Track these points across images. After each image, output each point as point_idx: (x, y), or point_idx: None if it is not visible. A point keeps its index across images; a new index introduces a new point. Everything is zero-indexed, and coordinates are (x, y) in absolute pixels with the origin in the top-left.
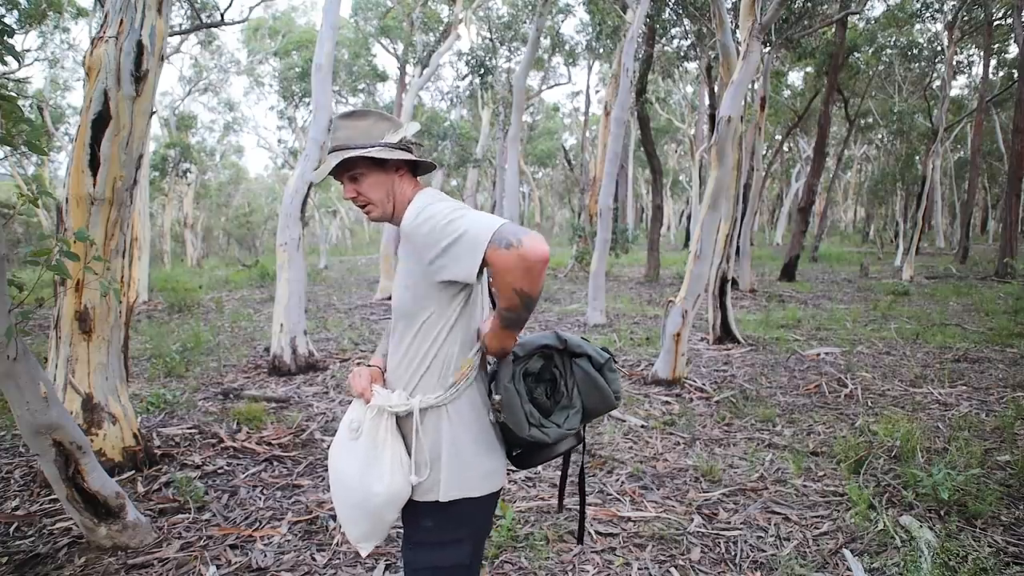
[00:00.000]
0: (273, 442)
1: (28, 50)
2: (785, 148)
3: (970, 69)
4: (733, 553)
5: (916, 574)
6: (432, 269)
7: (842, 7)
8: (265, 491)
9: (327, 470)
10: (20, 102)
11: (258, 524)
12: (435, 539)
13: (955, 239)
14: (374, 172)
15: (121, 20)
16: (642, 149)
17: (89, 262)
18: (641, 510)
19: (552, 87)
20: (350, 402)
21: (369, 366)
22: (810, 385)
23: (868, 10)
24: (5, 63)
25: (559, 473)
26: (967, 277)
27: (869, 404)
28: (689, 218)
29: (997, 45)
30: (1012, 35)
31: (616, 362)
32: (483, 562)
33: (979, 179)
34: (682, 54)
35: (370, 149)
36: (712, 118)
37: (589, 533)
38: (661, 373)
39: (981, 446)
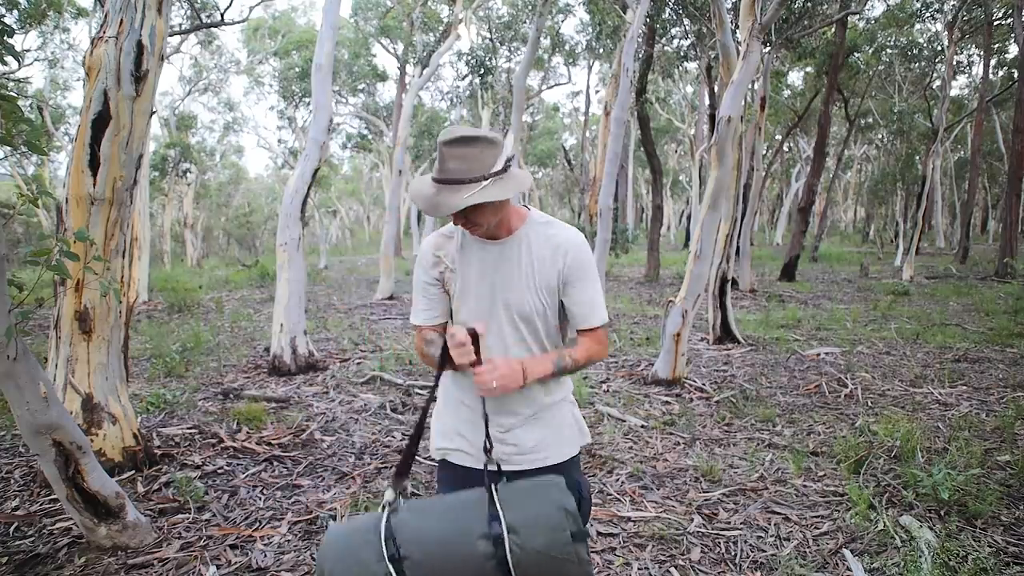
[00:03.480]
0: (273, 442)
1: (28, 50)
2: (785, 148)
3: (970, 69)
4: (733, 553)
5: (916, 574)
6: (563, 287)
7: (842, 7)
8: (265, 491)
9: (327, 470)
10: (20, 102)
11: (258, 524)
12: None
13: (955, 239)
14: (490, 202)
15: (121, 20)
16: (642, 149)
17: (89, 262)
18: (641, 510)
19: (552, 87)
20: (350, 402)
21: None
22: (810, 385)
23: (868, 10)
24: (5, 63)
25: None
26: (967, 277)
27: (869, 404)
28: (689, 218)
29: (997, 45)
30: (1012, 35)
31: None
32: None
33: (979, 179)
34: (682, 54)
35: (497, 188)
36: (712, 118)
37: (589, 533)
38: (661, 373)
39: (981, 446)
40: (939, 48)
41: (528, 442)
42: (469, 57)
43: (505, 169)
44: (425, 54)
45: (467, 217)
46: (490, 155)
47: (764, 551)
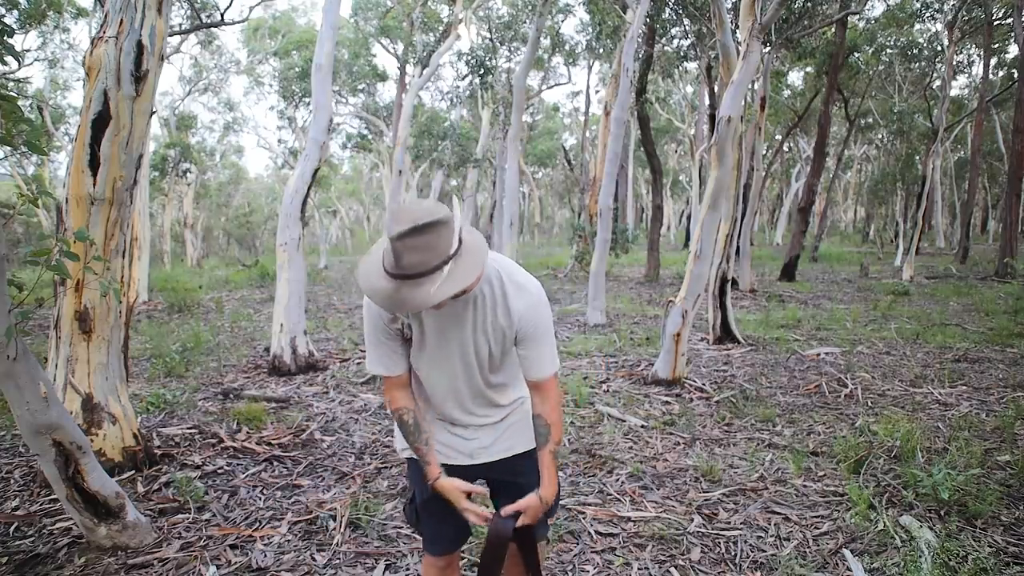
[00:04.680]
0: (273, 442)
1: (28, 50)
2: (785, 148)
3: (970, 69)
4: (733, 553)
5: (916, 574)
6: (516, 341)
7: (842, 7)
8: (265, 491)
9: (327, 470)
10: (20, 102)
11: (258, 524)
12: None
13: (955, 239)
14: None
15: (121, 20)
16: (642, 149)
17: (89, 262)
18: (641, 510)
19: (552, 87)
20: (350, 402)
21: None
22: (810, 385)
23: (868, 10)
24: (5, 63)
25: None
26: (967, 277)
27: (869, 404)
28: (689, 218)
29: (997, 45)
30: (1012, 35)
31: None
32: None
33: (979, 179)
34: (682, 54)
35: (461, 270)
36: (712, 118)
37: (589, 533)
38: (661, 373)
39: (981, 446)
40: (939, 48)
41: (490, 438)
42: (469, 57)
43: (460, 242)
44: (425, 54)
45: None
46: (445, 237)
47: (764, 551)
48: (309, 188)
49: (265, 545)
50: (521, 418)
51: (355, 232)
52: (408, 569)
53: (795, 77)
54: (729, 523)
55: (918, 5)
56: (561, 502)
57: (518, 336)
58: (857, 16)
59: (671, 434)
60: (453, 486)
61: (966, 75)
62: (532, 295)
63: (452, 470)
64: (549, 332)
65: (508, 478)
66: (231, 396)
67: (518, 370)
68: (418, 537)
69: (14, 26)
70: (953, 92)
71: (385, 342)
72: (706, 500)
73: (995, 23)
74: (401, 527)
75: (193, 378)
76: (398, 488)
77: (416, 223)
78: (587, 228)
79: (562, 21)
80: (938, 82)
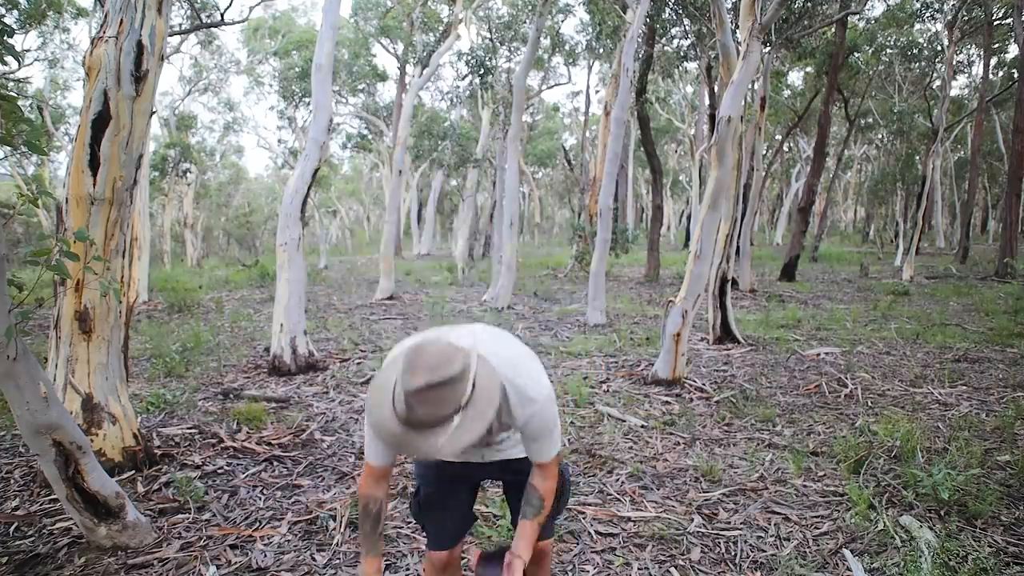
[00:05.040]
0: (273, 442)
1: (28, 50)
2: (785, 148)
3: (970, 69)
4: (733, 553)
5: (916, 574)
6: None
7: (842, 7)
8: (265, 491)
9: (327, 470)
10: (20, 102)
11: (258, 524)
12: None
13: (955, 239)
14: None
15: (121, 20)
16: (642, 149)
17: (89, 262)
18: (641, 510)
19: (552, 87)
20: (350, 402)
21: None
22: (810, 385)
23: (868, 10)
24: (5, 63)
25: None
26: (967, 277)
27: (869, 404)
28: (689, 218)
29: (997, 45)
30: (1012, 35)
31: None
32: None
33: (979, 179)
34: (682, 54)
35: (471, 417)
36: (712, 118)
37: (589, 533)
38: (661, 373)
39: (981, 446)
40: (939, 48)
41: (510, 441)
42: (469, 57)
43: (473, 387)
44: (425, 54)
45: None
46: (460, 391)
47: (764, 551)
48: (309, 188)
49: (265, 545)
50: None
51: (355, 232)
52: (408, 569)
53: (795, 77)
54: (729, 523)
55: (918, 5)
56: None
57: (522, 433)
58: (857, 16)
59: (671, 434)
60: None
61: (966, 75)
62: (536, 404)
63: (466, 467)
64: (554, 427)
65: (520, 477)
66: (231, 396)
67: None
68: (418, 537)
69: (14, 26)
70: (953, 92)
71: (382, 448)
72: (706, 500)
73: (995, 23)
74: (401, 527)
75: (193, 378)
76: (397, 488)
77: (431, 381)
78: (587, 228)
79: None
80: (938, 82)
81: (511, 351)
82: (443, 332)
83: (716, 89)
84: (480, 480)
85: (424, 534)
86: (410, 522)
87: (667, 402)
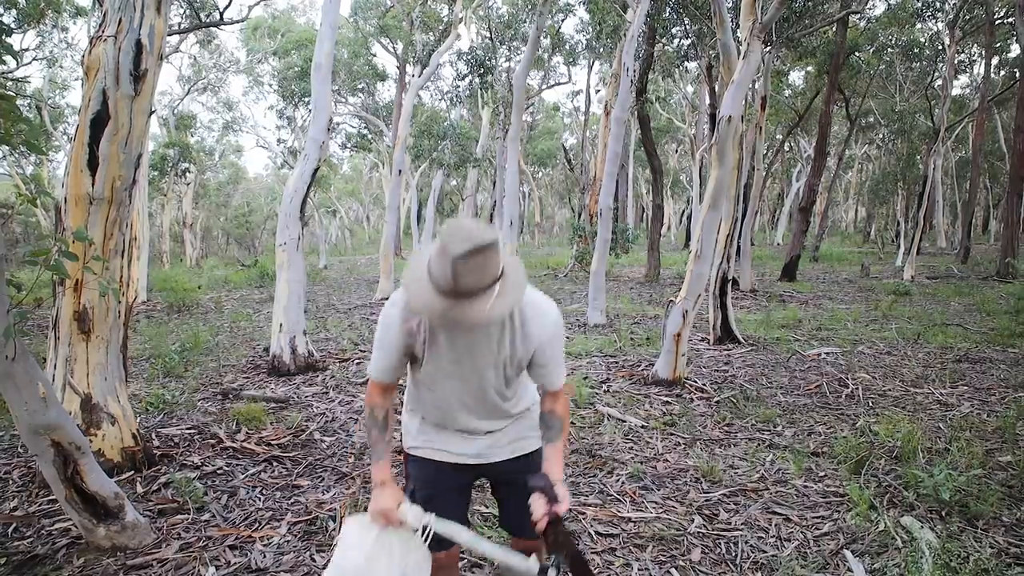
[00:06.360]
0: (273, 442)
1: (27, 49)
2: (786, 148)
3: (971, 68)
4: (734, 554)
5: (917, 575)
6: (532, 358)
7: (843, 6)
8: (264, 491)
9: (327, 471)
10: (18, 101)
11: (257, 525)
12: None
13: (956, 239)
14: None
15: (120, 19)
16: (642, 149)
17: (88, 262)
18: (641, 511)
19: (552, 87)
20: (350, 402)
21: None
22: (811, 385)
23: (869, 9)
24: (3, 62)
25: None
26: (968, 277)
27: (870, 404)
28: (689, 218)
29: (998, 44)
30: (1013, 34)
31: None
32: (483, 561)
33: (980, 179)
34: (682, 53)
35: (508, 289)
36: (713, 118)
37: (589, 534)
38: (661, 373)
39: (982, 446)
40: (940, 47)
41: (503, 440)
42: (469, 57)
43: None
44: (425, 53)
45: None
46: (496, 259)
47: (765, 552)
48: (309, 188)
49: (264, 546)
50: (528, 423)
51: (355, 232)
52: None
53: (796, 77)
54: (730, 524)
55: (919, 4)
56: None
57: (535, 356)
58: (858, 15)
59: (671, 434)
60: (392, 495)
61: (967, 74)
62: (550, 317)
63: (457, 468)
64: (562, 349)
65: (511, 477)
66: (230, 396)
67: (528, 382)
68: None
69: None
70: (954, 91)
71: (395, 354)
72: (706, 501)
73: (996, 22)
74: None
75: (192, 378)
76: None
77: (475, 244)
78: (587, 228)
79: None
80: (939, 81)
81: None
82: None
83: (716, 89)
84: (473, 481)
85: None
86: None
87: (667, 402)
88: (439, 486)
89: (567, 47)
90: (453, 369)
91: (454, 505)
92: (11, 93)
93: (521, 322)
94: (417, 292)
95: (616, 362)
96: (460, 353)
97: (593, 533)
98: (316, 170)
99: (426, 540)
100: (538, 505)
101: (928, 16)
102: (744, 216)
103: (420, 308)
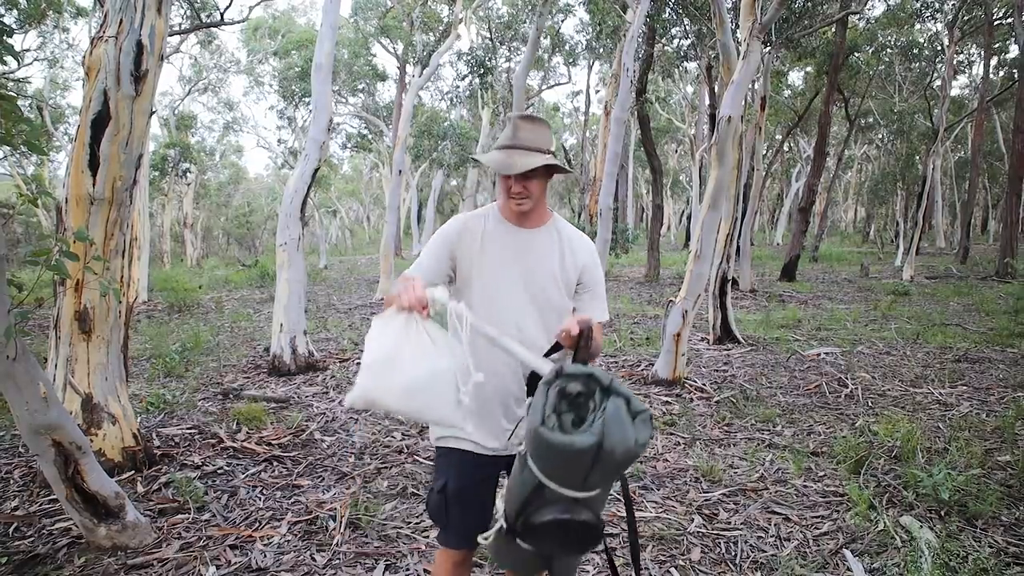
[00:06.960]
0: (273, 442)
1: (28, 50)
2: (785, 148)
3: (970, 69)
4: (733, 553)
5: (917, 574)
6: (578, 286)
7: (842, 7)
8: (265, 491)
9: (327, 470)
10: (19, 102)
11: (258, 524)
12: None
13: (956, 239)
14: (544, 176)
15: (121, 20)
16: (642, 149)
17: (89, 262)
18: (641, 510)
19: (552, 87)
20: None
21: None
22: (810, 385)
23: (868, 10)
24: (4, 63)
25: None
26: (968, 277)
27: (869, 404)
28: (689, 218)
29: (997, 45)
30: (1012, 35)
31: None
32: (483, 561)
33: (979, 179)
34: (682, 54)
35: (557, 161)
36: (712, 118)
37: None
38: (661, 373)
39: (982, 446)
40: (939, 48)
41: (524, 430)
42: (469, 57)
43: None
44: (425, 54)
45: (525, 184)
46: (550, 136)
47: (764, 551)
48: (309, 188)
49: (265, 545)
50: None
51: (355, 232)
52: (408, 569)
53: (795, 77)
54: (729, 523)
55: (918, 5)
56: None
57: (581, 279)
58: (857, 16)
59: (671, 434)
60: (417, 280)
61: (966, 75)
62: (592, 246)
63: (479, 459)
64: (604, 284)
65: None
66: (231, 396)
67: None
68: (418, 537)
69: (13, 26)
70: (953, 92)
71: (441, 258)
72: (706, 500)
73: (995, 23)
74: (401, 527)
75: (193, 378)
76: (398, 488)
77: (534, 115)
78: (587, 228)
79: (562, 21)
80: (938, 82)
81: None
82: None
83: (716, 89)
84: (501, 472)
85: (434, 534)
86: (410, 522)
87: (667, 402)
88: (474, 478)
89: (567, 47)
90: (505, 283)
91: (487, 498)
92: (12, 94)
93: (568, 239)
94: (483, 151)
95: (616, 362)
96: (517, 259)
97: None
98: (316, 170)
99: (462, 327)
100: (574, 318)
101: (927, 17)
102: (744, 216)
103: (484, 158)
